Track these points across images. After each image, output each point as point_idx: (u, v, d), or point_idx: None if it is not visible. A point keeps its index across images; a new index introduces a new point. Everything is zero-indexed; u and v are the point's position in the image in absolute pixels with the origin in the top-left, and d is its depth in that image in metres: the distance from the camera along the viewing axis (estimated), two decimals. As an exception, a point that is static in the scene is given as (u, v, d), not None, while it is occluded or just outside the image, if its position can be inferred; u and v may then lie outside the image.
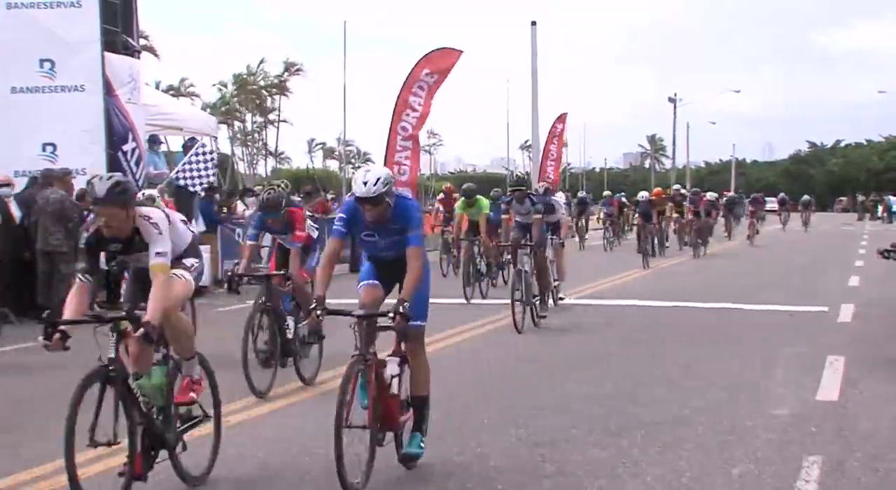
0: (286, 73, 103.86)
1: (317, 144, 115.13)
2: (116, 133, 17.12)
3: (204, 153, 18.81)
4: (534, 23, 42.82)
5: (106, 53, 17.11)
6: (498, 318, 14.53)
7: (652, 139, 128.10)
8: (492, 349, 12.17)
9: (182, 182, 18.44)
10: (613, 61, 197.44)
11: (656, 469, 6.74)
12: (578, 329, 13.91)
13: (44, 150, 16.73)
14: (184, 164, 18.69)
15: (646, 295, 17.87)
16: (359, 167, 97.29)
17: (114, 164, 16.95)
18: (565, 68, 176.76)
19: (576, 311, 16.01)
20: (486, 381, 9.97)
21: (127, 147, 17.21)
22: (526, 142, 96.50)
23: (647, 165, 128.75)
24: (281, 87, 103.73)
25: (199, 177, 18.44)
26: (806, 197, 53.41)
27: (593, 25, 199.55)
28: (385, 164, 27.86)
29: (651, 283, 20.67)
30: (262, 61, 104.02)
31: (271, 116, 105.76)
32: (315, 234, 10.71)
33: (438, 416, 8.38)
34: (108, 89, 17.10)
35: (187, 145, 20.77)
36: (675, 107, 79.22)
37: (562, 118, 47.12)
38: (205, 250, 19.00)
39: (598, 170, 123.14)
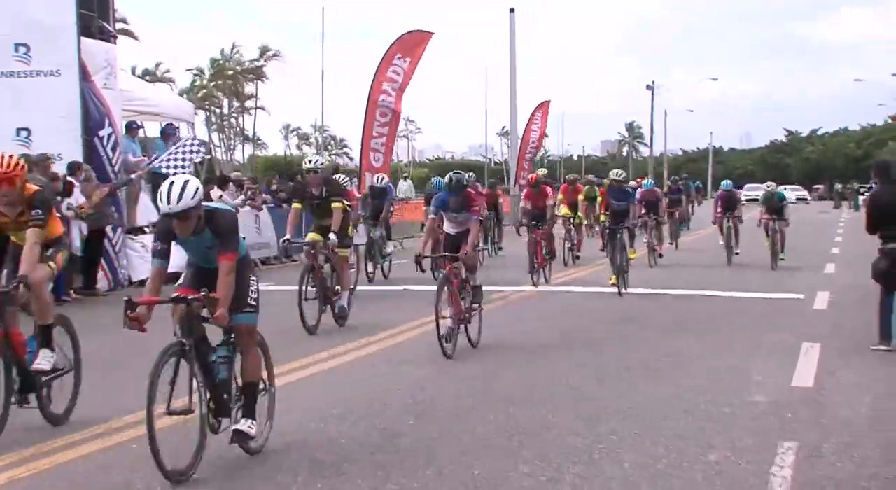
0: (262, 59, 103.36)
1: (292, 130, 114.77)
2: (92, 119, 17.04)
3: (192, 147, 18.64)
4: (512, 10, 43.08)
5: (82, 38, 16.99)
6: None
7: (630, 127, 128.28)
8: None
9: (164, 170, 18.38)
10: (592, 49, 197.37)
11: (634, 455, 6.77)
12: (558, 316, 13.93)
13: (18, 135, 16.58)
14: (169, 153, 18.50)
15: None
16: (335, 154, 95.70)
17: (90, 150, 16.89)
18: (544, 55, 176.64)
19: (555, 297, 16.07)
20: (463, 368, 9.98)
21: (103, 132, 17.13)
22: (503, 128, 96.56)
23: (624, 153, 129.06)
24: (257, 73, 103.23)
25: (177, 167, 18.29)
26: (771, 188, 23.35)
27: (571, 13, 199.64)
28: (361, 150, 28.00)
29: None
30: (234, 47, 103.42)
31: (248, 103, 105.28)
32: None
33: (413, 401, 8.40)
34: (84, 74, 17.00)
35: (165, 132, 20.69)
36: (653, 94, 79.57)
37: (543, 106, 46.95)
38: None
39: (576, 157, 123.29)
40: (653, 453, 6.81)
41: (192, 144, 18.92)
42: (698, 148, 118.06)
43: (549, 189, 18.85)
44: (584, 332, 12.47)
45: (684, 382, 9.29)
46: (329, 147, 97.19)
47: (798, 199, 78.12)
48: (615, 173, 18.86)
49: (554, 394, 8.83)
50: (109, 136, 17.25)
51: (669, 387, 9.08)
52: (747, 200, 73.25)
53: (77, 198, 15.77)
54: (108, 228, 16.87)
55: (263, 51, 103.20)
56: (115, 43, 18.68)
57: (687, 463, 6.57)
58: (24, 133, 16.63)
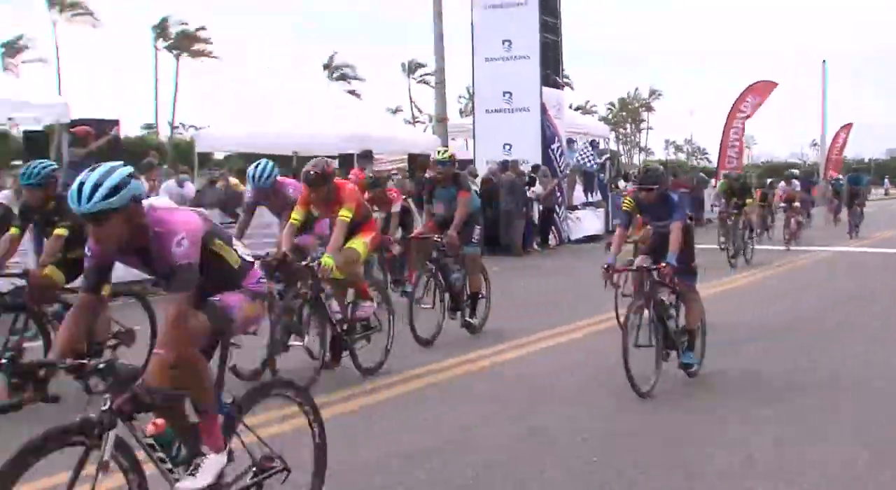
0: (650, 97, 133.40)
1: (670, 143, 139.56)
2: (547, 137, 26.15)
3: (594, 153, 28.77)
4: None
5: (543, 87, 26.29)
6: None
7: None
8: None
9: (583, 162, 28.46)
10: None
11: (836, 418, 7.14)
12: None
13: (504, 148, 26.10)
14: (581, 155, 28.70)
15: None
16: (700, 160, 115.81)
17: (545, 157, 26.13)
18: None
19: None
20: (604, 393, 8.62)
21: (554, 146, 26.27)
22: (813, 141, 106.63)
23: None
24: (647, 106, 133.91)
25: (589, 160, 28.39)
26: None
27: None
28: (719, 158, 38.73)
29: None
30: (636, 89, 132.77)
31: (642, 125, 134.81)
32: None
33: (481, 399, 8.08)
34: (543, 110, 26.13)
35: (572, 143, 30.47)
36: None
37: (846, 128, 57.17)
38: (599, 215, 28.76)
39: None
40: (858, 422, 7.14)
41: (592, 151, 28.65)
42: None
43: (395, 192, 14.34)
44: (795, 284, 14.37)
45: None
46: (695, 154, 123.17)
47: None
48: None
49: (738, 350, 9.55)
50: (558, 148, 26.29)
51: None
52: None
53: (537, 189, 25.13)
54: (556, 206, 26.25)
55: (652, 92, 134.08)
56: (562, 89, 27.93)
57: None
58: (507, 146, 26.09)
